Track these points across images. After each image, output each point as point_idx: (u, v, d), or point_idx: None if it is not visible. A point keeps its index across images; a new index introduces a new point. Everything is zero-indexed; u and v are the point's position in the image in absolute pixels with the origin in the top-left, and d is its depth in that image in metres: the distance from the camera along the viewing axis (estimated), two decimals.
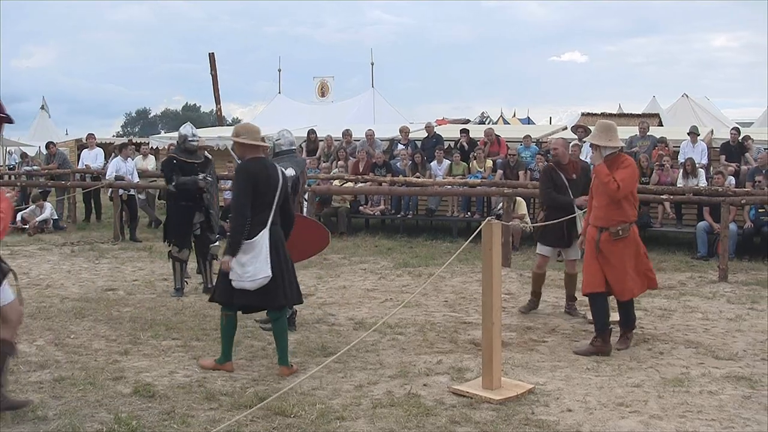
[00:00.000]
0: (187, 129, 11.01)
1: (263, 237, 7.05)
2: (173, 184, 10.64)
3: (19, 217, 18.29)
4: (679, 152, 17.27)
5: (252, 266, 6.99)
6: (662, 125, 25.62)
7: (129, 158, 18.44)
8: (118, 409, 6.10)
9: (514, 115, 40.24)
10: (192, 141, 10.81)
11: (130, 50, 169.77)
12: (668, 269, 13.21)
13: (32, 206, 18.42)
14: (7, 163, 38.73)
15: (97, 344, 8.16)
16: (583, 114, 27.72)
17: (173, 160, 10.81)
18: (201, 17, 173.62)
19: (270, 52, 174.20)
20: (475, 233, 6.99)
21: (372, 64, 36.50)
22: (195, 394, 6.54)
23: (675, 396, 6.60)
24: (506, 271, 12.31)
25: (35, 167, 21.52)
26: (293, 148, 9.27)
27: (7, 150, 42.44)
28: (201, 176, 10.65)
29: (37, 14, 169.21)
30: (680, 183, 15.69)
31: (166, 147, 21.32)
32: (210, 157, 11.38)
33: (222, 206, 14.97)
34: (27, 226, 17.85)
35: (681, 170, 16.02)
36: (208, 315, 9.47)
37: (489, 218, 6.93)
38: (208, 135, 21.36)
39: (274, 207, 7.17)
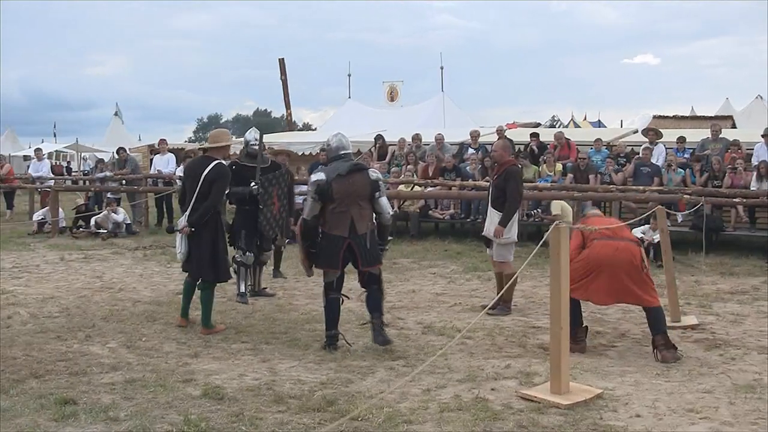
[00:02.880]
0: (250, 134, 11.11)
1: (182, 221, 8.94)
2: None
3: (92, 221, 18.70)
4: (752, 155, 16.95)
5: (178, 244, 9.01)
6: (735, 127, 25.23)
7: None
8: (188, 411, 6.17)
9: (585, 119, 39.95)
10: (253, 145, 10.89)
11: (198, 57, 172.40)
12: (741, 274, 12.99)
13: (105, 211, 18.79)
14: (81, 169, 39.49)
15: (168, 347, 8.28)
16: (654, 117, 27.41)
17: (232, 166, 10.43)
18: (268, 24, 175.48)
19: (338, 57, 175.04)
20: (545, 237, 6.95)
21: (441, 68, 36.51)
22: (264, 396, 6.59)
23: (747, 403, 6.47)
24: None
25: (107, 173, 21.91)
26: (342, 152, 8.34)
27: (82, 156, 43.41)
28: (253, 183, 10.54)
29: (105, 22, 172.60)
30: (754, 186, 15.42)
31: (238, 152, 21.54)
32: (279, 161, 11.46)
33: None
34: (101, 231, 18.22)
35: (755, 173, 15.72)
36: (278, 318, 9.57)
37: (557, 222, 6.86)
38: (279, 140, 21.53)
39: (194, 197, 8.78)
